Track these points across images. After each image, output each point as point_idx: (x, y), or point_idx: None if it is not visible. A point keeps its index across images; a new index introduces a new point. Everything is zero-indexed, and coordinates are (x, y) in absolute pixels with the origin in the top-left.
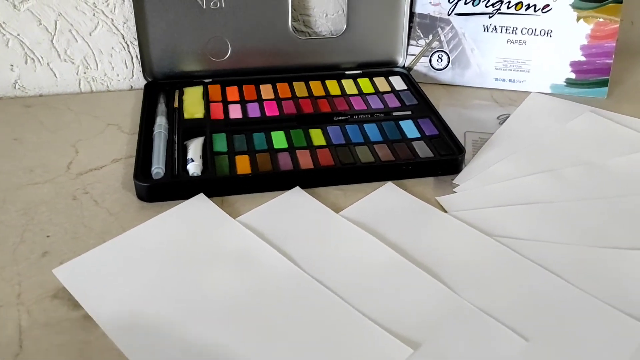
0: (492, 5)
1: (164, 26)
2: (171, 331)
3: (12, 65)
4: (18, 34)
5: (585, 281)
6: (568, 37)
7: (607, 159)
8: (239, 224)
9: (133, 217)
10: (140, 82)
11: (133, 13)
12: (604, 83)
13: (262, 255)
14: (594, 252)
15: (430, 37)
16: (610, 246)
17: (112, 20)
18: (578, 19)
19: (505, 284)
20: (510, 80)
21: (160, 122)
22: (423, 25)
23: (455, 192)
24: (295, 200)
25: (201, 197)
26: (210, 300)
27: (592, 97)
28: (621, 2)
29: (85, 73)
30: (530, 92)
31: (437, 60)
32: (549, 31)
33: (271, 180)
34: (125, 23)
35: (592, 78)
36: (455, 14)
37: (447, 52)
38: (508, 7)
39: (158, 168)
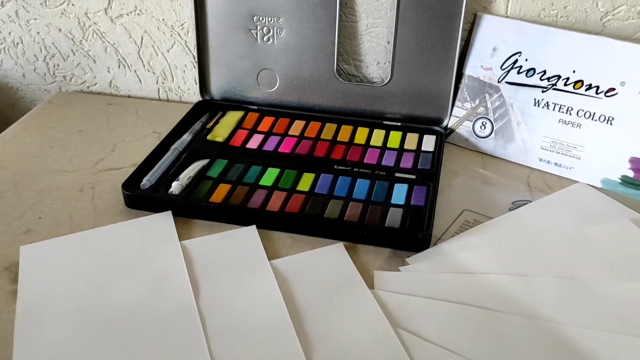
0: (548, 79)
1: (222, 52)
2: (70, 335)
3: (108, 68)
4: (114, 43)
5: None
6: (633, 128)
7: (612, 281)
8: (179, 247)
9: (109, 219)
10: (193, 97)
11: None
12: None
13: (175, 283)
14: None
15: (477, 101)
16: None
17: (186, 42)
18: None
19: None
20: (556, 164)
21: (184, 139)
22: (471, 88)
23: (398, 271)
24: (243, 238)
25: (167, 214)
26: (110, 308)
27: None
28: None
29: (163, 83)
30: (577, 182)
31: (481, 127)
32: (611, 118)
33: (232, 214)
34: (195, 46)
35: None
36: (506, 82)
37: (492, 121)
38: (565, 84)
39: (148, 180)
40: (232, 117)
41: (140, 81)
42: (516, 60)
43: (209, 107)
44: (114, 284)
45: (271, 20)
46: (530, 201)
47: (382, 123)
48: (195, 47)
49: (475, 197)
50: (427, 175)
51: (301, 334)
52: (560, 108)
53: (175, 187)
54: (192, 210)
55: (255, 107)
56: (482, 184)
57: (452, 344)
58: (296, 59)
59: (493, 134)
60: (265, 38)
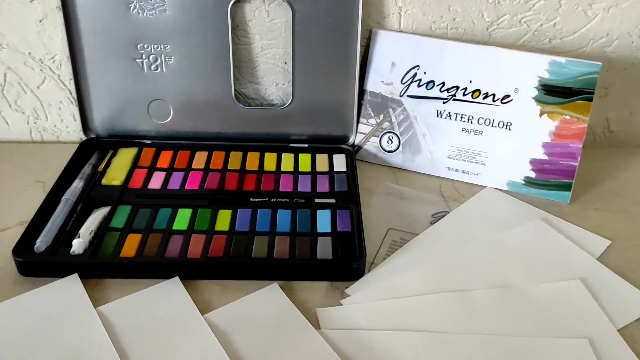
0: (447, 90)
1: (105, 85)
2: None
3: None
4: None
5: None
6: (529, 132)
7: (537, 283)
8: (96, 315)
9: (2, 292)
10: (73, 136)
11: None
12: (567, 187)
13: (98, 357)
14: None
15: (382, 117)
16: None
17: (59, 76)
18: (541, 113)
19: None
20: (464, 172)
21: (75, 187)
22: (374, 104)
23: (341, 304)
24: (167, 294)
25: (73, 278)
26: None
27: (553, 200)
28: (591, 101)
29: (35, 123)
30: (485, 187)
31: (388, 141)
32: (509, 124)
33: (152, 268)
34: (71, 80)
35: (553, 180)
36: (408, 96)
37: (398, 135)
38: (464, 94)
39: (42, 242)
40: (125, 156)
41: (7, 123)
42: (415, 74)
43: (96, 146)
44: None
45: (157, 47)
46: (448, 212)
47: (289, 146)
48: (72, 81)
49: (395, 214)
50: (347, 198)
51: None
52: (461, 117)
53: (78, 245)
54: (101, 269)
55: (149, 142)
56: (399, 199)
57: None
58: (189, 87)
59: (400, 147)
60: (152, 67)
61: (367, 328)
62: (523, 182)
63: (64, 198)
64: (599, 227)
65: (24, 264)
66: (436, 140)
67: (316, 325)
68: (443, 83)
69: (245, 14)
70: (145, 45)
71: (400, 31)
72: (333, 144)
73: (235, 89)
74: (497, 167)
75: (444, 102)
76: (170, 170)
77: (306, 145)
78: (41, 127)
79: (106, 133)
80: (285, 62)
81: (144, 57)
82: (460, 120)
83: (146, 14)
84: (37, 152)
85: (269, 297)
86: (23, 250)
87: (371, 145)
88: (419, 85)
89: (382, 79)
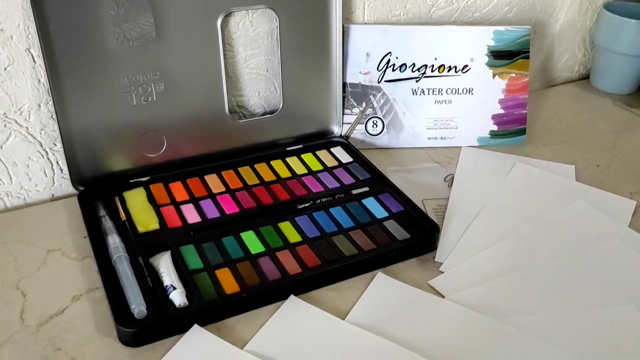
0: (418, 69)
1: (90, 126)
2: None
3: None
4: None
5: (583, 345)
6: (487, 93)
7: (550, 211)
8: (249, 355)
9: None
10: (63, 188)
11: (54, 116)
12: (522, 132)
13: None
14: (583, 316)
15: (364, 105)
16: (593, 304)
17: (27, 128)
18: (494, 75)
19: None
20: (442, 138)
21: (115, 243)
22: (355, 94)
23: (442, 272)
24: (297, 312)
25: (196, 329)
26: None
27: (514, 145)
28: (528, 58)
29: None
30: (461, 147)
31: (373, 126)
32: (471, 89)
33: (263, 295)
34: (42, 129)
35: (512, 128)
36: (385, 81)
37: (382, 118)
38: (432, 70)
39: (140, 305)
40: (136, 199)
41: None
42: (389, 60)
43: (96, 197)
44: None
45: (147, 76)
46: (452, 173)
47: (286, 150)
48: (43, 131)
49: (414, 186)
50: (376, 183)
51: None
52: (433, 91)
53: (179, 296)
54: (221, 310)
55: (148, 178)
56: (407, 173)
57: (539, 306)
58: (182, 111)
59: (385, 129)
60: (142, 98)
61: (476, 284)
62: (489, 135)
63: (115, 258)
64: (553, 155)
65: (137, 334)
66: (415, 116)
67: (440, 295)
68: (414, 64)
69: (230, 27)
70: (134, 77)
71: (365, 23)
72: (320, 139)
73: (228, 105)
74: (467, 128)
75: (416, 81)
76: (194, 201)
77: (301, 146)
78: (4, 192)
79: (94, 179)
80: (267, 70)
81: (133, 89)
82: (432, 94)
83: (132, 44)
84: (11, 221)
85: (384, 286)
86: (125, 320)
87: (358, 133)
88: (393, 70)
89: (359, 69)
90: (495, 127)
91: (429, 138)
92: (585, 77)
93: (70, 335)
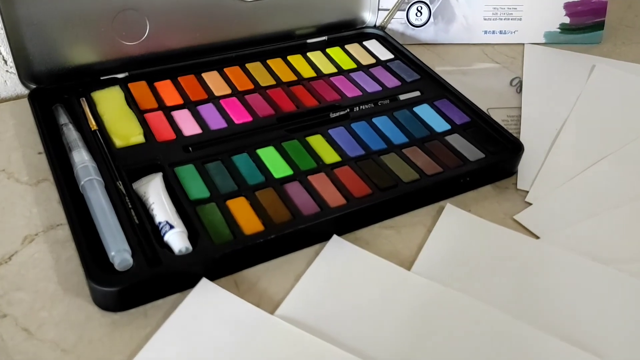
0: None
1: (45, 7)
2: None
3: None
4: None
5: None
6: None
7: None
8: (283, 323)
9: (108, 348)
10: (9, 87)
11: None
12: (599, 26)
13: None
14: None
15: None
16: None
17: None
18: None
19: None
20: (501, 32)
21: (83, 161)
22: None
23: (530, 204)
24: (344, 262)
25: (205, 285)
26: None
27: (586, 44)
28: None
29: None
30: (523, 45)
31: (416, 14)
32: None
33: (297, 236)
34: None
35: (587, 21)
36: None
37: (428, 3)
38: None
39: (122, 252)
40: (110, 102)
41: None
42: None
43: (55, 98)
44: None
45: None
46: (518, 76)
47: (306, 43)
48: None
49: (475, 91)
50: (428, 86)
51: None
52: None
53: (178, 238)
54: (239, 259)
55: (126, 74)
56: (462, 75)
57: None
58: None
59: (432, 19)
60: None
61: (575, 221)
62: (559, 30)
63: (84, 183)
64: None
65: (122, 293)
66: (471, 2)
67: (528, 234)
68: None
69: None
70: None
71: None
72: (349, 29)
73: None
74: (533, 20)
75: None
76: (190, 105)
77: (325, 38)
78: None
79: (51, 76)
80: None
81: None
82: None
83: None
84: None
85: (458, 221)
86: (101, 274)
87: (396, 23)
88: None
89: None
90: (567, 20)
91: (486, 32)
92: None
93: (22, 296)
